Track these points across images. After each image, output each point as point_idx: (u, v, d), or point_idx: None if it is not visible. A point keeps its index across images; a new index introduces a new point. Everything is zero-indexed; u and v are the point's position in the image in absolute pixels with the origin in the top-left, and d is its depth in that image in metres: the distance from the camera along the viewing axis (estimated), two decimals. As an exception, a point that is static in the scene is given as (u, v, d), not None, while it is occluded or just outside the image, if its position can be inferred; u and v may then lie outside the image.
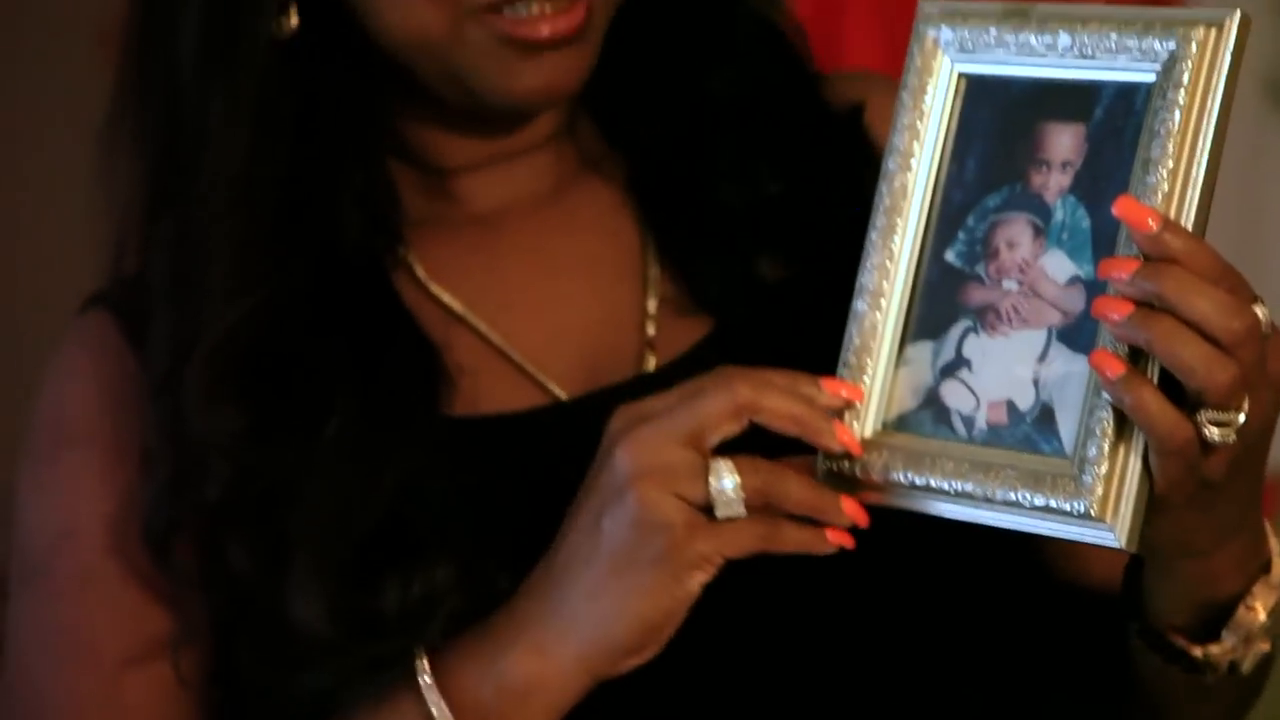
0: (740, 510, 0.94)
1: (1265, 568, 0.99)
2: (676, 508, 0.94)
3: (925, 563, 1.03)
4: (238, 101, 1.08)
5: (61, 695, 1.08)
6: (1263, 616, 0.98)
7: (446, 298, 1.14)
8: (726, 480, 0.94)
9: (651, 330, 1.13)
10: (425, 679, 0.99)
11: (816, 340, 1.05)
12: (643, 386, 1.06)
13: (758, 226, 1.13)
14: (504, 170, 1.15)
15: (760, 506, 0.95)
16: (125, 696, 1.08)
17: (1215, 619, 0.98)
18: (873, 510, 0.97)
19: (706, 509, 0.95)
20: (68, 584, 1.09)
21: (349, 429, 1.06)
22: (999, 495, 0.93)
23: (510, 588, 1.01)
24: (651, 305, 1.14)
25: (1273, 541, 1.00)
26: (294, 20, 1.10)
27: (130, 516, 1.08)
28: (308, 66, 1.11)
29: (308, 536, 1.04)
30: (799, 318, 1.11)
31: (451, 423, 1.08)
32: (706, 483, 0.94)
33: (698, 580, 0.94)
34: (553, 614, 0.97)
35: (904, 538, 0.98)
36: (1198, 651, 0.98)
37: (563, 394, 1.11)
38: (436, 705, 0.99)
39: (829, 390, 0.96)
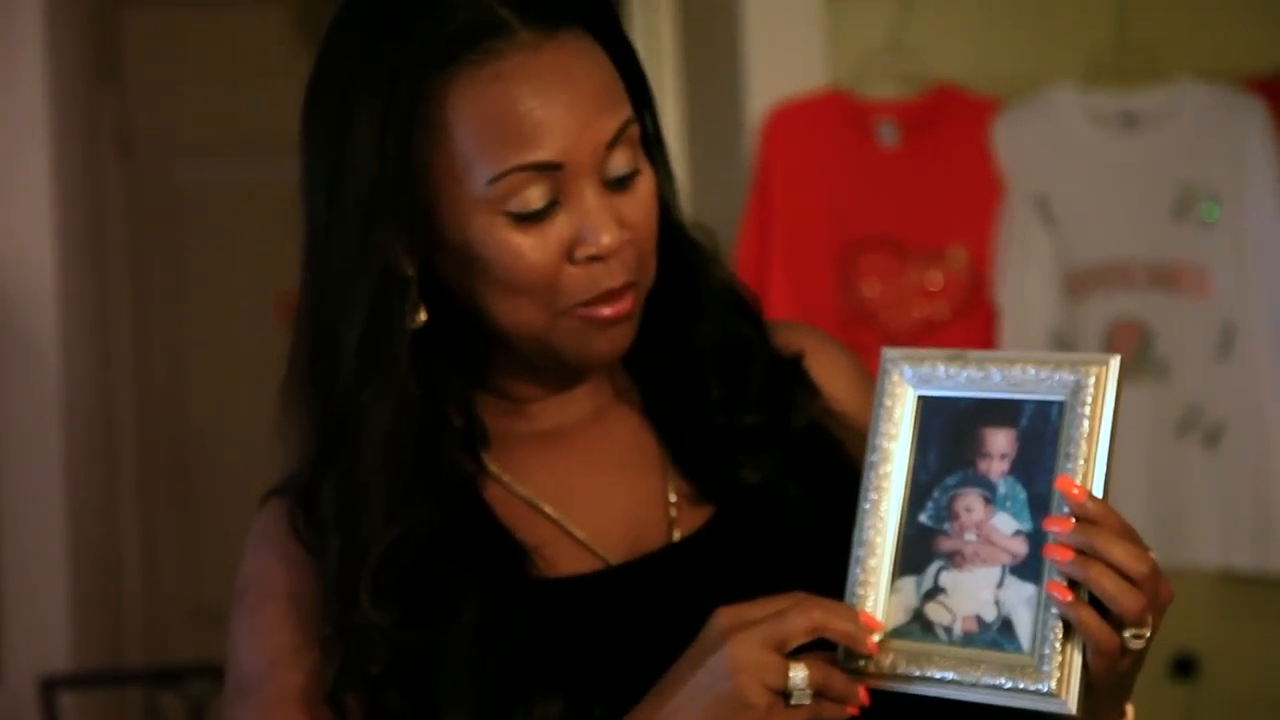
0: (808, 699, 1.09)
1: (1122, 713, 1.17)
2: (763, 694, 1.08)
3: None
4: (387, 387, 1.18)
5: None
6: None
7: (525, 492, 1.25)
8: (799, 677, 1.09)
9: (674, 513, 1.25)
10: None
11: (786, 526, 1.22)
12: (672, 553, 1.22)
13: (739, 446, 1.26)
14: (562, 398, 1.28)
15: (815, 691, 1.09)
16: None
17: None
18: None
19: (783, 693, 1.09)
20: (275, 699, 1.20)
21: (472, 610, 1.18)
22: (983, 681, 1.08)
23: (603, 714, 1.15)
24: (672, 495, 1.26)
25: (1130, 708, 1.17)
26: (423, 316, 1.20)
27: (312, 654, 1.19)
28: (426, 342, 1.21)
29: (450, 689, 1.16)
30: (773, 509, 1.24)
31: (534, 584, 1.21)
32: (786, 677, 1.09)
33: None
34: None
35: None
36: None
37: (613, 560, 1.23)
38: None
39: (862, 619, 1.11)
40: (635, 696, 1.14)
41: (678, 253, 1.27)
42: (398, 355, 1.19)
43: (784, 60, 3.14)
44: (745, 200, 3.10)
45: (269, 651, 1.21)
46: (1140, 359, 3.13)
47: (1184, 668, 3.17)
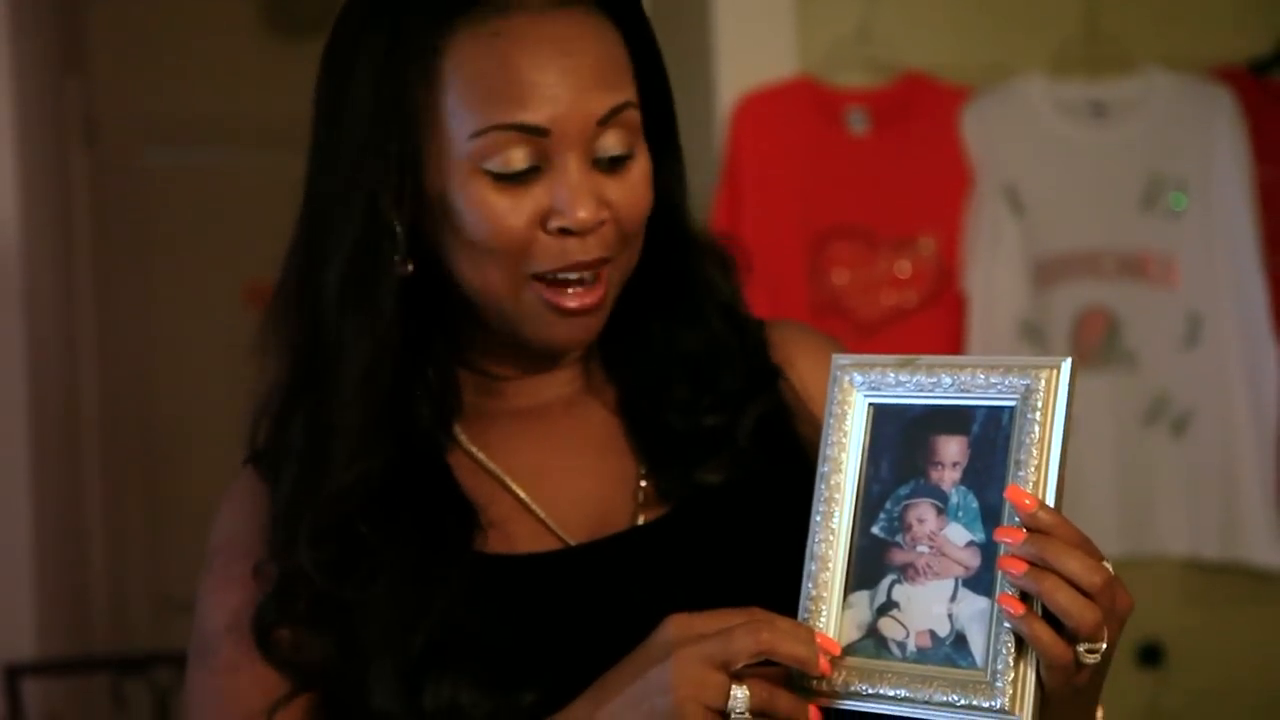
0: (748, 719, 1.05)
1: None
2: (700, 713, 1.05)
3: None
4: (368, 324, 1.18)
5: None
6: None
7: (492, 466, 1.24)
8: (740, 698, 1.05)
9: (641, 498, 1.24)
10: None
11: (749, 518, 1.20)
12: (632, 537, 1.21)
13: (699, 447, 1.24)
14: (538, 380, 1.26)
15: (758, 712, 1.06)
16: None
17: None
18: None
19: (723, 713, 1.06)
20: (229, 661, 1.19)
21: (408, 564, 1.16)
22: (935, 698, 1.05)
23: (533, 700, 1.12)
24: (642, 481, 1.24)
25: (1100, 710, 1.13)
26: (410, 267, 1.19)
27: None
28: (414, 298, 1.20)
29: (376, 646, 1.15)
30: (733, 509, 1.23)
31: (490, 560, 1.19)
32: (726, 698, 1.05)
33: None
34: None
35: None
36: None
37: (572, 541, 1.21)
38: None
39: (820, 641, 1.08)
40: (572, 686, 1.11)
41: (683, 258, 1.26)
42: (381, 294, 1.18)
43: (754, 49, 3.11)
44: (715, 188, 3.07)
45: (228, 614, 1.20)
46: (1108, 348, 3.11)
47: (1150, 656, 3.15)
